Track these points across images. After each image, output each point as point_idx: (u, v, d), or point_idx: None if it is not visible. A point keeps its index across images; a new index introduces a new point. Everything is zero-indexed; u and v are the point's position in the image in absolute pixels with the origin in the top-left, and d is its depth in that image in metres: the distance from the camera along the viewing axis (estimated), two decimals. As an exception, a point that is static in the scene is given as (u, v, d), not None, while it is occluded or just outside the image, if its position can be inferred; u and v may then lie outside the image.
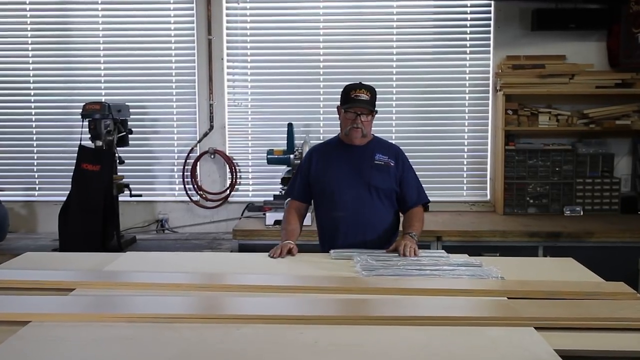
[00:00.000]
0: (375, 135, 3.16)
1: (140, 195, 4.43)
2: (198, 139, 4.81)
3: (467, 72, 4.75)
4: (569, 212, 4.61)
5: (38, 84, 4.84)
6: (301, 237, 3.12)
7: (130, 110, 4.44)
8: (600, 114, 4.53)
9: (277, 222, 3.96)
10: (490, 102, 4.74)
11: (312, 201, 3.20)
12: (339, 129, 3.11)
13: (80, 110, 4.12)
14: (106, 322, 1.96)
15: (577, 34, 4.61)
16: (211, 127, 4.79)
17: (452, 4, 4.73)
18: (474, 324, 1.97)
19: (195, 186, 4.83)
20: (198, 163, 4.82)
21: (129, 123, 4.38)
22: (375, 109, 3.01)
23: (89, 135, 4.13)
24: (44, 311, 2.02)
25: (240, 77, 4.82)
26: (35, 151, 4.89)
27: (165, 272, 2.58)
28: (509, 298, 2.24)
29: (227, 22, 4.77)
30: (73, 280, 2.42)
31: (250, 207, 4.58)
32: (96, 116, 4.07)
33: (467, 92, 4.77)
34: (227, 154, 4.82)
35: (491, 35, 4.70)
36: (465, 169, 4.86)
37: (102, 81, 4.81)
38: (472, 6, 4.72)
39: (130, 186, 4.29)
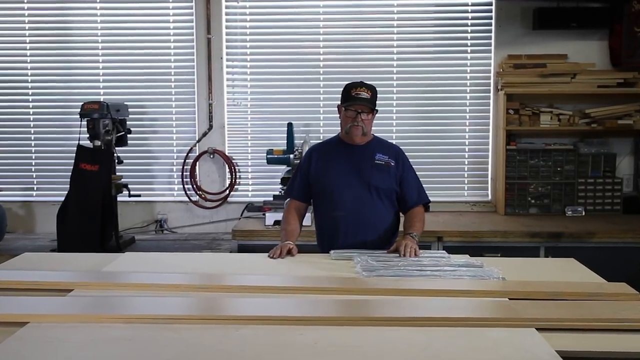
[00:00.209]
0: (376, 135, 3.15)
1: (139, 195, 4.42)
2: (197, 139, 4.79)
3: (468, 71, 4.74)
4: (570, 213, 4.59)
5: (36, 84, 4.82)
6: (301, 238, 3.11)
7: (129, 109, 4.42)
8: (602, 113, 4.52)
9: (276, 223, 3.95)
10: (491, 101, 4.73)
11: (312, 201, 3.18)
12: (339, 128, 3.11)
13: (79, 109, 4.10)
14: (105, 323, 1.95)
15: (579, 33, 4.60)
16: (210, 127, 4.78)
17: (453, 3, 4.71)
18: (475, 325, 1.96)
19: (195, 186, 4.81)
20: (197, 163, 4.80)
21: (127, 123, 4.36)
22: (376, 108, 3.00)
23: (88, 135, 4.11)
24: (42, 312, 2.01)
25: (239, 76, 4.81)
26: (33, 151, 4.87)
27: (164, 273, 2.57)
28: (510, 299, 2.23)
29: (227, 20, 4.75)
30: (71, 281, 2.42)
31: (250, 207, 4.57)
32: (95, 116, 4.05)
33: (468, 91, 4.75)
34: (227, 154, 4.80)
35: (492, 34, 4.69)
36: (466, 169, 4.84)
37: (101, 80, 4.79)
38: (473, 5, 4.70)
39: (129, 186, 4.28)
